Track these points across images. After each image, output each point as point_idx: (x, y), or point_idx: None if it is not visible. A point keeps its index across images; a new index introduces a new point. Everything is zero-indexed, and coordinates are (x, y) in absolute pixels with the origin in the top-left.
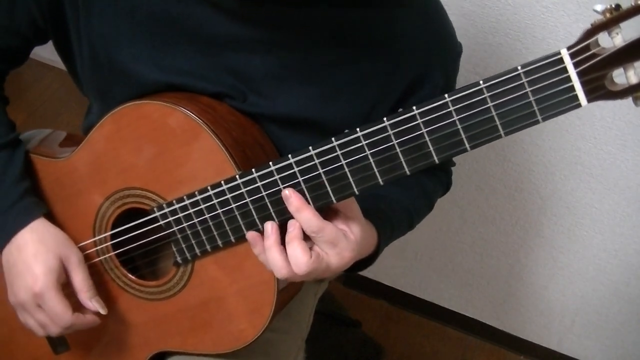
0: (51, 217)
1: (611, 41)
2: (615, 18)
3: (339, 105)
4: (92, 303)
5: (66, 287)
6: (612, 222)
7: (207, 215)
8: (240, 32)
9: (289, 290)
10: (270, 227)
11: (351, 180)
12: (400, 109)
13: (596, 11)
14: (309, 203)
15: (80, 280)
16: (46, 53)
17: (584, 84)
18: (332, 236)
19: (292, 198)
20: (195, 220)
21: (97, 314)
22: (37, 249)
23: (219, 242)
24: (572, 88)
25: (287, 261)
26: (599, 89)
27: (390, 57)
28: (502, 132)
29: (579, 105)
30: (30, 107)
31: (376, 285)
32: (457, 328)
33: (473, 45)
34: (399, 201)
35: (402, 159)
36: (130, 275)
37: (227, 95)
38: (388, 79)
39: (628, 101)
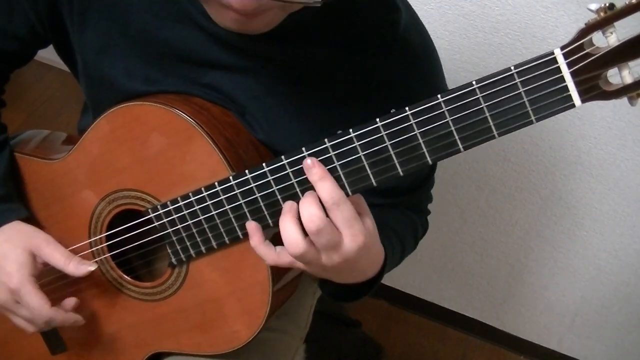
0: (40, 220)
1: (605, 41)
2: (609, 17)
3: None
4: (82, 267)
5: (59, 290)
6: (612, 222)
7: (201, 217)
8: (230, 59)
9: (285, 291)
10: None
11: (344, 181)
12: (393, 110)
13: (590, 10)
14: None
15: (58, 257)
16: (46, 53)
17: (577, 84)
18: (350, 213)
19: (315, 168)
20: (190, 222)
21: (89, 318)
22: (4, 249)
23: (214, 244)
24: (565, 88)
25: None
26: (593, 89)
27: (378, 103)
28: (495, 132)
29: (573, 106)
30: (30, 107)
31: None
32: (457, 328)
33: (473, 45)
34: (395, 229)
35: (396, 160)
36: (126, 276)
37: (225, 108)
38: None
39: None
